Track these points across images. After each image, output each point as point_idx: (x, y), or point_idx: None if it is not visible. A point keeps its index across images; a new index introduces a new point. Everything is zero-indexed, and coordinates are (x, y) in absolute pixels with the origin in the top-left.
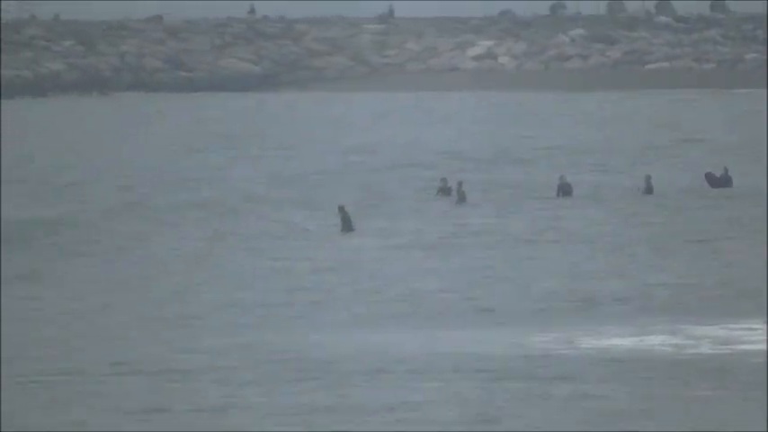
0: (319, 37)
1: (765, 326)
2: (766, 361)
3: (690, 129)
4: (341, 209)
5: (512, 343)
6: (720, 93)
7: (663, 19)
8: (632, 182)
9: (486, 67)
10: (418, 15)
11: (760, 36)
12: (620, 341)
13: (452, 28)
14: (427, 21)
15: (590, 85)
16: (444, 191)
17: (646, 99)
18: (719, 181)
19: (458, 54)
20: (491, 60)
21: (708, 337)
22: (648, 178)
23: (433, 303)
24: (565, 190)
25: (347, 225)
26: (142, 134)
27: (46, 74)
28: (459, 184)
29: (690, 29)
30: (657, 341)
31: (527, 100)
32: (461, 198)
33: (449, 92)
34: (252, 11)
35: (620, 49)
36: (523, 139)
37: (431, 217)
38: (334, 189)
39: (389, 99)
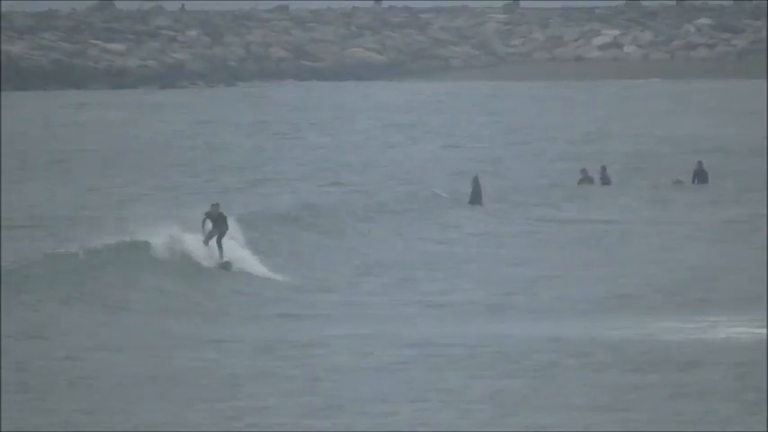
0: (445, 26)
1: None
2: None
3: None
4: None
5: None
6: None
7: None
8: None
9: (611, 56)
10: (543, 5)
11: None
12: None
13: (578, 17)
14: (552, 10)
15: (716, 74)
16: (587, 179)
17: None
18: None
19: (583, 43)
20: (616, 49)
21: None
22: None
23: None
24: (701, 177)
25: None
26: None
27: (172, 64)
28: (603, 168)
29: None
30: None
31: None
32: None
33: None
34: (378, 1)
35: (746, 38)
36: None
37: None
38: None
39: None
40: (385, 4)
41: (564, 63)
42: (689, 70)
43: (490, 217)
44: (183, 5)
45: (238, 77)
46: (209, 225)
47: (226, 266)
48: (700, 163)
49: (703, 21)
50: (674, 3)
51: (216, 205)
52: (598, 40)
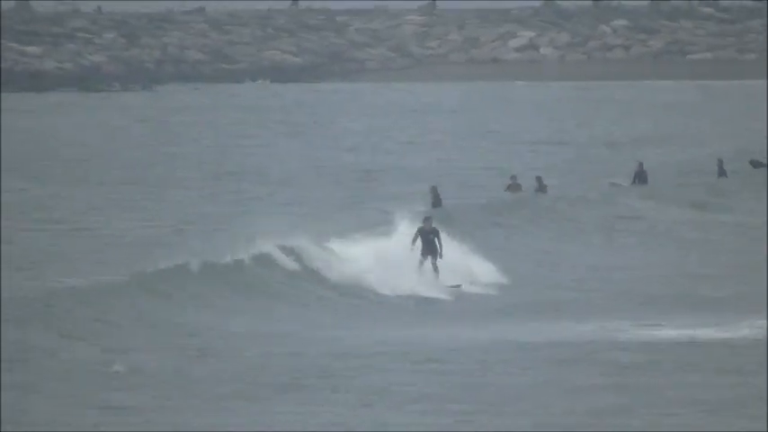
0: (361, 28)
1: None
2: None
3: None
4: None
5: None
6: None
7: (705, 9)
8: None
9: (527, 57)
10: (460, 6)
11: None
12: None
13: (494, 18)
14: (469, 11)
15: (632, 75)
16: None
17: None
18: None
19: (500, 45)
20: (533, 51)
21: None
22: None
23: None
24: (641, 178)
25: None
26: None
27: (88, 66)
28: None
29: (732, 19)
30: None
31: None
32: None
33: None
34: (294, 2)
35: (662, 39)
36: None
37: None
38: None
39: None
40: (302, 5)
41: (481, 65)
42: (605, 71)
43: None
44: (99, 7)
45: (155, 80)
46: (418, 242)
47: (454, 289)
48: (640, 164)
49: (619, 22)
50: (591, 3)
51: (429, 219)
52: (514, 42)
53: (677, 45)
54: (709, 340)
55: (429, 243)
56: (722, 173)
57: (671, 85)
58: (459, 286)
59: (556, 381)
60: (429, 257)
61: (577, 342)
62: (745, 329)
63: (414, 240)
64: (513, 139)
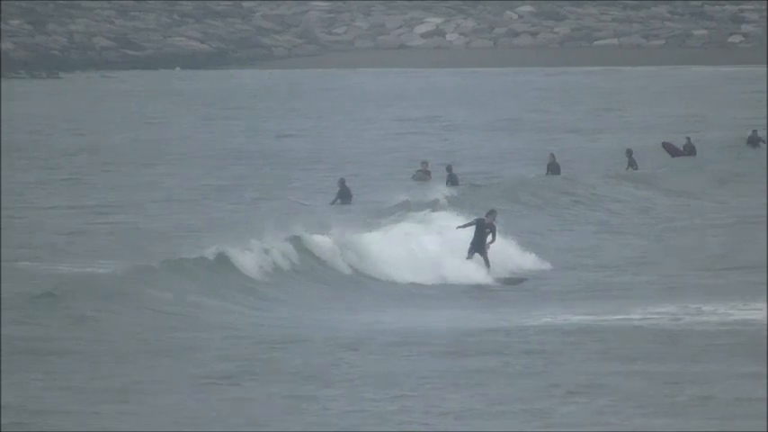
0: (268, 15)
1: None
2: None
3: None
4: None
5: None
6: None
7: None
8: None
9: (434, 44)
10: None
11: (708, 12)
12: None
13: (400, 5)
14: None
15: (539, 61)
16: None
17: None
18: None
19: (406, 31)
20: (439, 37)
21: None
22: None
23: None
24: (553, 169)
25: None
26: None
27: None
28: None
29: (638, 5)
30: None
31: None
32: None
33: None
34: None
35: (568, 26)
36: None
37: None
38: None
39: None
40: None
41: (387, 51)
42: (511, 58)
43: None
44: None
45: (62, 67)
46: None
47: (513, 282)
48: (552, 155)
49: (525, 8)
50: None
51: (493, 213)
52: (421, 28)
53: (583, 31)
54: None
55: (482, 237)
56: (632, 163)
57: (578, 71)
58: (524, 280)
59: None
60: (476, 253)
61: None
62: None
63: (464, 226)
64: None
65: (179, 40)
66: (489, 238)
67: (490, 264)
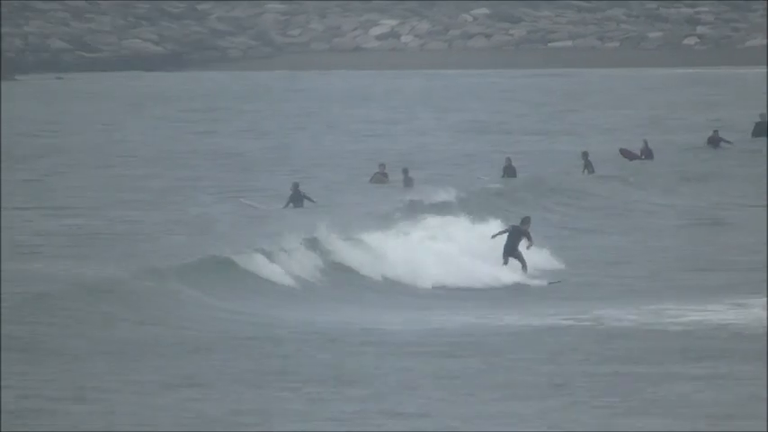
0: (223, 17)
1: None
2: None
3: None
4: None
5: None
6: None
7: None
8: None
9: (389, 46)
10: None
11: (663, 14)
12: None
13: (356, 7)
14: (331, 0)
15: (494, 63)
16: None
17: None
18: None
19: (361, 33)
20: (394, 39)
21: None
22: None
23: None
24: (509, 172)
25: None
26: None
27: None
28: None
29: (594, 7)
30: None
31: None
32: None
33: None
34: None
35: (523, 28)
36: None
37: None
38: None
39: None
40: None
41: (342, 53)
42: (466, 60)
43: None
44: None
45: (17, 69)
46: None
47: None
48: (508, 159)
49: (480, 10)
50: None
51: (527, 220)
52: (375, 31)
53: (538, 33)
54: None
55: (515, 243)
56: (588, 165)
57: (534, 74)
58: (559, 282)
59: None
60: (509, 258)
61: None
62: None
63: (499, 233)
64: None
65: (134, 42)
66: (524, 242)
67: (527, 265)
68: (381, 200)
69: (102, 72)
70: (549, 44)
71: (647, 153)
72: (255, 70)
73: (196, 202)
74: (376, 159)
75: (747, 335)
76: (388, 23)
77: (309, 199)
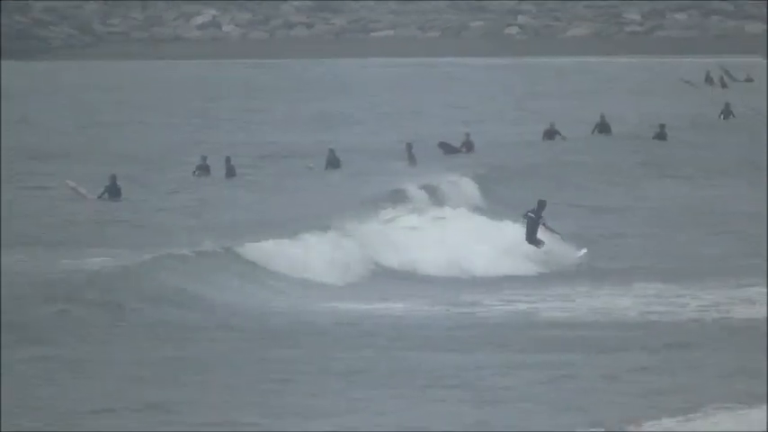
0: (46, 7)
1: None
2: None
3: None
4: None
5: None
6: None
7: None
8: None
9: (210, 35)
10: None
11: (485, 4)
12: None
13: None
14: None
15: (316, 53)
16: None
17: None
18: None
19: (182, 23)
20: (215, 29)
21: None
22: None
23: None
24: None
25: None
26: None
27: None
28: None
29: None
30: None
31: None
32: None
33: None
34: None
35: (345, 17)
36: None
37: None
38: None
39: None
40: None
41: (163, 43)
42: (288, 50)
43: None
44: None
45: None
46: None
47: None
48: (331, 151)
49: (302, 1)
50: None
51: (542, 203)
52: (197, 20)
53: (360, 23)
54: None
55: (535, 228)
56: (411, 158)
57: (354, 63)
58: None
59: None
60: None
61: None
62: None
63: (530, 232)
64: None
65: None
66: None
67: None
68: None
69: None
70: (371, 34)
71: (469, 146)
72: (78, 60)
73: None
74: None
75: None
76: (209, 13)
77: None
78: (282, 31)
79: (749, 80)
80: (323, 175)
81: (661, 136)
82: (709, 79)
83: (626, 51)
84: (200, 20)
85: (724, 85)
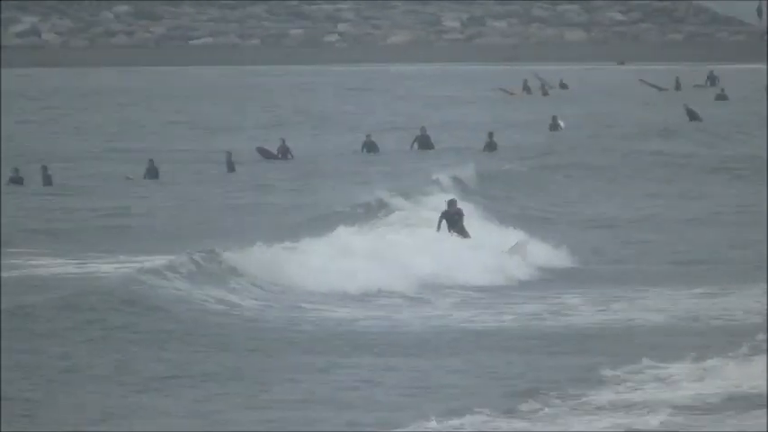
0: None
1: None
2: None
3: None
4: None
5: None
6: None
7: None
8: None
9: (30, 43)
10: None
11: (305, 11)
12: None
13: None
14: None
15: (137, 61)
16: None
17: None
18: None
19: (1, 31)
20: (35, 37)
21: None
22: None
23: None
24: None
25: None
26: None
27: None
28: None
29: (235, 5)
30: None
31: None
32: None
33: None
34: None
35: (164, 25)
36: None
37: None
38: None
39: None
40: None
41: None
42: (109, 58)
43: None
44: None
45: None
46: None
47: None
48: (151, 161)
49: (122, 8)
50: None
51: (453, 201)
52: (16, 28)
53: (179, 30)
54: None
55: (455, 224)
56: (231, 167)
57: (175, 71)
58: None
59: None
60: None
61: None
62: None
63: (438, 226)
64: None
65: None
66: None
67: (468, 235)
68: None
69: None
70: (190, 41)
71: (284, 152)
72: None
73: None
74: None
75: None
76: (28, 20)
77: None
78: (103, 39)
79: (563, 86)
80: (144, 184)
81: (491, 146)
82: (527, 88)
83: (446, 59)
84: (19, 27)
85: (545, 93)
